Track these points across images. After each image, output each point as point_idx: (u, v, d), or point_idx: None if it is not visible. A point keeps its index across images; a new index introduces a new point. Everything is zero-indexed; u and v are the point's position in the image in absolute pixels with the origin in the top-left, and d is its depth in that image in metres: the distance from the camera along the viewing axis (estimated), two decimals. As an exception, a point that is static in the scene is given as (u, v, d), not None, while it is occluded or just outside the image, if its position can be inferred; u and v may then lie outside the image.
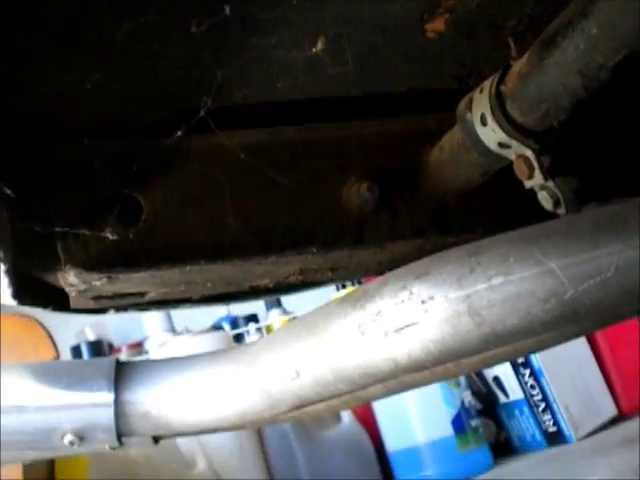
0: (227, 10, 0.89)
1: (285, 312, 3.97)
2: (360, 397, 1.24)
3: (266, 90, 1.09)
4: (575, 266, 0.86)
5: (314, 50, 1.02)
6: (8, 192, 0.82)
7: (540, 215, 1.05)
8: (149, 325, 4.08)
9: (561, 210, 1.02)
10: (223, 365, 1.18)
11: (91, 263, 1.07)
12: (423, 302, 0.92)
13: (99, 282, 1.08)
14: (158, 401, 1.18)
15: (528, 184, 1.03)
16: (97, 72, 0.96)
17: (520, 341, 0.98)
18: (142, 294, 1.20)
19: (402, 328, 0.93)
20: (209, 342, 3.19)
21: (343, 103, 1.22)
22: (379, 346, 0.95)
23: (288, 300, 3.97)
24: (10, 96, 0.98)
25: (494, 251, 0.92)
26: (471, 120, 1.04)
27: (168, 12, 0.89)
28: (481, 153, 1.06)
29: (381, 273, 1.41)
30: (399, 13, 0.98)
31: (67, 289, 1.12)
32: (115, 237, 1.05)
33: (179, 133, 1.05)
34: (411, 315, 0.92)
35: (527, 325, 0.89)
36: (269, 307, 4.08)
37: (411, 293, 0.93)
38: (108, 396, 1.16)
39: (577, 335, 1.27)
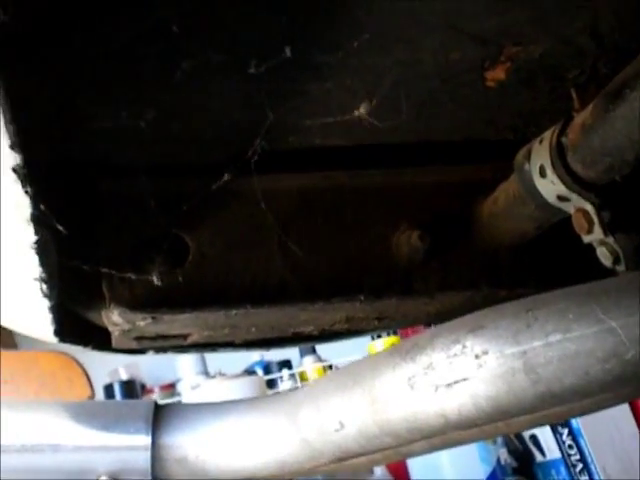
0: (287, 52, 0.88)
1: (319, 359, 3.93)
2: (402, 452, 1.21)
3: (319, 135, 1.08)
4: (637, 326, 0.83)
5: (371, 96, 1.01)
6: (60, 228, 0.80)
7: (597, 271, 1.02)
8: (182, 367, 4.06)
9: (621, 267, 0.98)
10: (264, 412, 1.16)
11: (136, 303, 1.05)
12: (477, 357, 0.89)
13: (143, 322, 1.06)
14: (196, 446, 1.15)
15: (587, 239, 1.00)
16: (153, 110, 0.95)
17: (576, 402, 0.94)
18: (185, 336, 1.18)
19: (454, 383, 0.90)
20: (242, 387, 3.15)
21: (396, 150, 1.20)
22: (429, 401, 0.92)
23: (322, 347, 3.93)
24: (63, 129, 0.97)
25: (552, 306, 0.89)
26: (529, 171, 1.02)
27: (228, 52, 0.88)
28: (538, 206, 1.03)
29: (428, 324, 1.38)
30: (460, 60, 0.96)
31: (110, 328, 1.10)
32: (160, 283, 1.03)
33: (227, 177, 1.04)
34: (464, 370, 0.89)
35: (585, 385, 0.85)
36: (303, 353, 4.04)
37: (464, 347, 0.90)
38: (145, 439, 1.14)
39: (635, 397, 1.23)
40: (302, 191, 1.15)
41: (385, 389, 0.96)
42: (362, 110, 1.01)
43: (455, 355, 0.91)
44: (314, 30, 0.89)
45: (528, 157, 1.02)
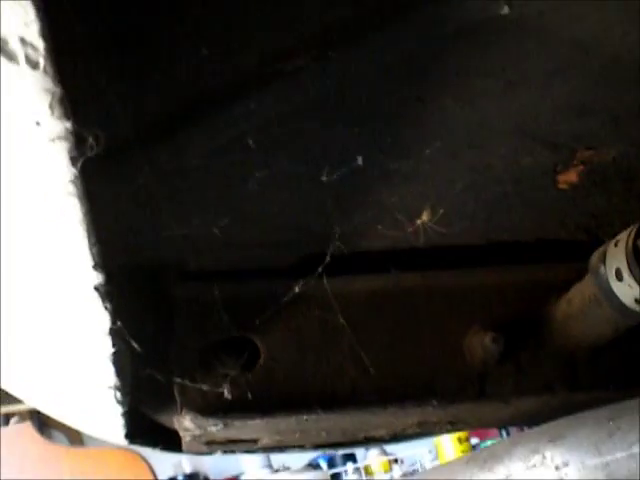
0: (360, 160, 0.89)
1: (385, 453, 3.87)
2: None
3: (390, 239, 1.07)
4: None
5: (441, 201, 1.01)
6: (135, 345, 0.81)
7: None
8: (246, 460, 4.03)
9: None
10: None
11: (208, 409, 1.05)
12: (557, 468, 0.86)
13: (214, 428, 1.05)
14: None
15: (665, 343, 0.98)
16: (225, 217, 0.96)
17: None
18: (255, 441, 1.17)
19: (534, 495, 0.87)
20: (307, 481, 3.11)
21: (468, 251, 1.20)
22: (508, 514, 0.89)
23: (387, 440, 3.87)
24: (136, 238, 0.99)
25: (635, 416, 0.86)
26: (605, 274, 1.00)
27: (300, 161, 0.89)
28: (615, 309, 1.01)
29: (502, 428, 1.35)
30: (532, 165, 0.96)
31: (182, 433, 1.10)
32: (230, 396, 1.03)
33: (297, 289, 1.04)
34: (544, 482, 0.87)
35: (670, 500, 0.82)
36: (368, 447, 3.98)
37: (544, 457, 0.88)
38: None
39: None
40: (373, 293, 1.15)
41: (462, 501, 0.93)
42: (424, 218, 1.01)
43: (534, 466, 0.88)
44: (385, 139, 0.89)
45: (603, 259, 1.01)
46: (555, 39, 0.76)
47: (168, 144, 0.80)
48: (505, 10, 0.70)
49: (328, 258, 1.01)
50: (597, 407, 0.92)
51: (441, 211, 0.99)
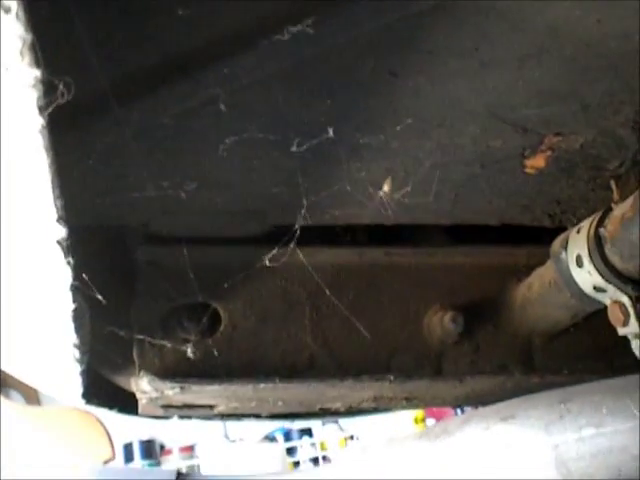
0: (330, 132, 0.89)
1: (341, 429, 3.89)
2: None
3: (356, 213, 1.08)
4: (672, 424, 0.82)
5: (409, 178, 1.01)
6: (100, 298, 0.81)
7: (632, 363, 1.00)
8: (202, 429, 4.03)
9: (656, 362, 0.97)
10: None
11: (166, 372, 1.05)
12: (507, 446, 0.88)
13: (172, 392, 1.06)
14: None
15: (622, 331, 0.99)
16: (193, 182, 0.96)
17: (607, 499, 0.92)
18: (212, 407, 1.18)
19: (482, 472, 0.88)
20: (262, 454, 3.12)
21: (431, 230, 1.21)
22: (456, 488, 0.91)
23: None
24: (104, 197, 0.99)
25: (586, 399, 0.88)
26: (566, 260, 1.02)
27: (272, 130, 0.89)
28: (574, 295, 1.03)
29: (457, 406, 1.36)
30: (501, 147, 0.97)
31: (138, 395, 1.10)
32: (192, 355, 1.04)
33: (275, 252, 1.04)
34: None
35: (617, 483, 0.84)
36: (325, 422, 4.00)
37: (495, 435, 0.89)
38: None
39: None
40: (336, 266, 1.16)
41: (414, 476, 0.94)
42: (385, 189, 1.01)
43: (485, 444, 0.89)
44: (357, 113, 0.90)
45: (565, 246, 1.02)
46: (530, 23, 0.76)
47: (140, 102, 0.80)
48: (482, -10, 0.71)
49: (297, 229, 1.01)
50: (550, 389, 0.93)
51: (407, 188, 0.99)
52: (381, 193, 1.00)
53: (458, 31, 0.79)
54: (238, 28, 0.74)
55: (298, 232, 1.01)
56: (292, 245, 1.02)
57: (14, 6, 0.42)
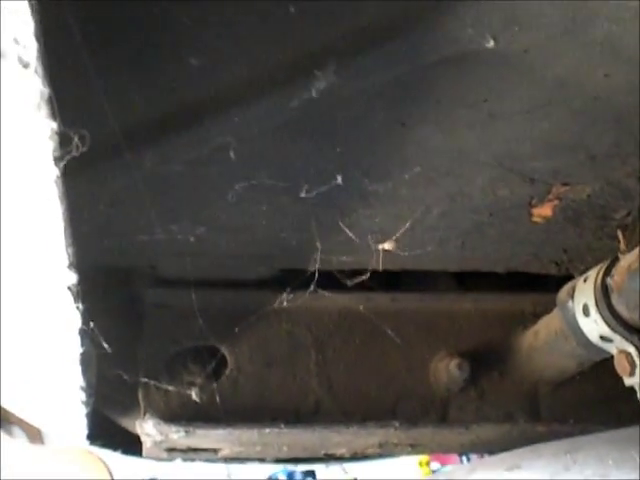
0: (339, 180, 0.89)
1: (345, 471, 3.86)
2: None
3: (363, 258, 1.08)
4: (679, 478, 0.81)
5: (417, 225, 1.02)
6: (105, 346, 0.81)
7: (638, 412, 1.00)
8: (204, 469, 3.99)
9: (663, 413, 0.97)
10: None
11: (171, 415, 1.05)
12: (512, 497, 0.87)
13: (176, 435, 1.06)
14: None
15: (628, 381, 0.99)
16: (202, 226, 0.97)
17: None
18: (216, 450, 1.18)
19: (488, 523, 0.88)
20: (265, 495, 3.09)
21: (438, 276, 1.21)
22: (461, 539, 0.90)
23: (348, 459, 3.86)
24: (113, 240, 0.99)
25: (592, 451, 0.87)
26: (572, 309, 1.02)
27: (280, 176, 0.90)
28: (580, 344, 1.02)
29: (462, 453, 1.36)
30: (509, 196, 0.97)
31: (143, 438, 1.10)
32: (198, 399, 1.04)
33: (285, 301, 1.05)
34: (499, 510, 0.87)
35: (621, 537, 0.83)
36: (329, 464, 3.96)
37: (500, 486, 0.89)
38: None
39: None
40: (342, 311, 1.16)
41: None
42: (387, 247, 1.02)
43: (491, 494, 0.89)
44: (366, 160, 0.90)
45: (572, 294, 1.02)
46: (538, 76, 0.77)
47: (151, 149, 0.81)
48: (491, 44, 0.71)
49: (316, 273, 1.02)
50: (556, 439, 0.93)
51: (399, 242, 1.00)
52: (380, 247, 1.01)
53: (467, 82, 0.80)
54: (249, 78, 0.75)
55: (308, 276, 1.01)
56: (303, 289, 1.03)
57: (33, 61, 0.43)
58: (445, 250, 1.07)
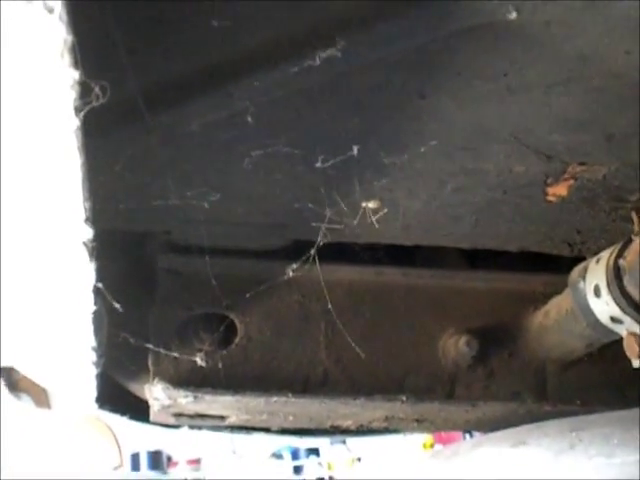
0: (355, 150, 0.89)
1: (348, 450, 3.88)
2: None
3: (376, 232, 1.08)
4: (682, 457, 0.81)
5: (431, 200, 1.02)
6: (116, 305, 0.81)
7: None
8: (210, 443, 4.02)
9: (670, 394, 0.97)
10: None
11: (179, 380, 1.06)
12: (517, 472, 0.88)
13: (184, 400, 1.06)
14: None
15: (637, 364, 0.99)
16: (217, 193, 0.97)
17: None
18: (223, 417, 1.18)
19: (491, 496, 0.88)
20: (268, 470, 3.12)
21: (450, 253, 1.21)
22: (464, 512, 0.91)
23: (352, 438, 3.88)
24: (128, 203, 1.00)
25: (597, 430, 0.87)
26: (583, 289, 1.02)
27: (296, 145, 0.90)
28: (590, 325, 1.03)
29: (467, 431, 1.36)
30: (523, 174, 0.97)
31: (151, 402, 1.10)
32: (204, 364, 1.04)
33: (291, 273, 1.05)
34: (502, 484, 0.88)
35: (625, 514, 0.83)
36: (333, 442, 3.98)
37: (505, 461, 0.89)
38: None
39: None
40: (353, 284, 1.16)
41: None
42: (371, 205, 1.01)
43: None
44: (383, 133, 0.90)
45: (584, 275, 1.02)
46: (558, 50, 0.77)
47: (169, 110, 0.81)
48: (513, 15, 0.71)
49: (318, 246, 1.02)
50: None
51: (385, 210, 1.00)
52: (364, 205, 1.00)
53: (488, 55, 0.79)
54: (270, 43, 0.75)
55: (317, 248, 1.02)
56: (314, 260, 1.03)
57: (57, 7, 0.43)
58: (458, 226, 1.07)
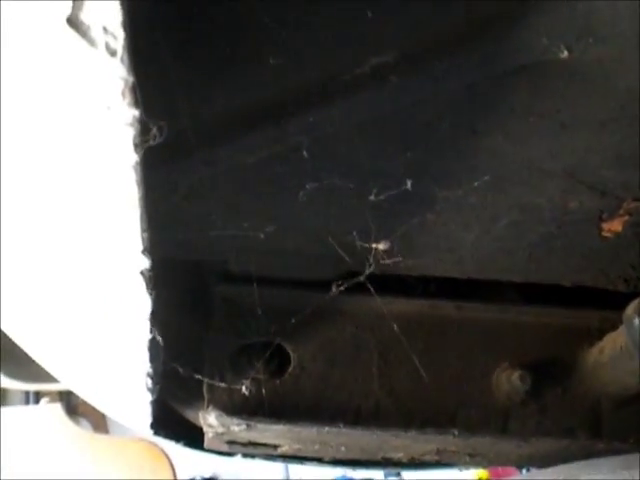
0: (409, 185, 0.91)
1: (403, 483, 3.85)
2: None
3: (429, 265, 1.09)
4: None
5: (484, 234, 1.02)
6: (169, 337, 0.83)
7: None
8: (264, 470, 4.03)
9: None
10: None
11: (233, 408, 1.07)
12: (568, 510, 0.87)
13: (237, 428, 1.08)
14: None
15: (692, 402, 0.98)
16: (273, 224, 0.99)
17: None
18: (275, 447, 1.20)
19: (541, 534, 0.88)
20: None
21: (503, 287, 1.21)
22: None
23: (407, 472, 3.85)
24: (185, 234, 1.02)
25: (651, 468, 0.86)
26: (638, 326, 1.01)
27: (351, 178, 0.91)
28: (645, 361, 1.02)
29: (520, 466, 1.35)
30: (578, 209, 0.97)
31: (205, 429, 1.12)
32: (247, 393, 1.06)
33: (335, 291, 1.06)
34: (553, 521, 0.87)
35: None
36: (387, 475, 3.96)
37: (556, 498, 0.88)
38: None
39: None
40: (407, 317, 1.17)
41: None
42: (380, 247, 1.02)
43: (546, 504, 0.89)
44: (436, 167, 0.91)
45: (638, 312, 1.01)
46: (611, 87, 0.77)
47: (227, 145, 0.83)
48: (565, 54, 0.72)
49: (366, 275, 1.03)
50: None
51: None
52: (374, 246, 1.01)
53: (540, 92, 0.80)
54: (325, 80, 0.77)
55: (369, 279, 1.03)
56: (369, 292, 1.04)
57: (120, 50, 0.45)
58: (512, 260, 1.07)
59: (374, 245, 1.00)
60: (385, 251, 1.02)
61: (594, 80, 0.77)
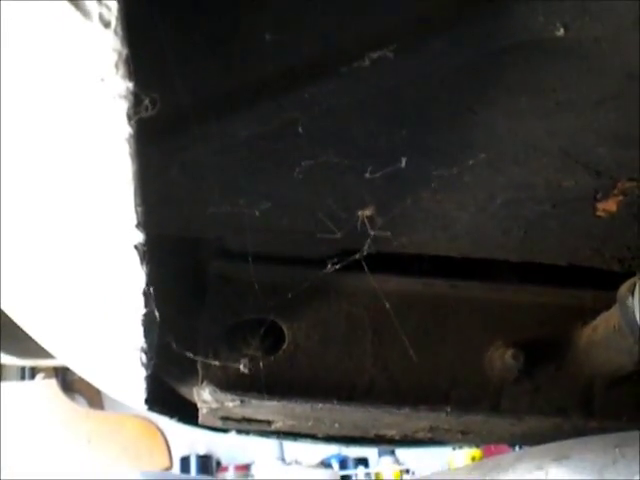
0: (403, 162, 0.91)
1: (397, 462, 3.87)
2: None
3: (424, 243, 1.09)
4: None
5: (480, 212, 1.02)
6: (163, 312, 0.83)
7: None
8: (259, 449, 4.05)
9: None
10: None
11: (228, 384, 1.08)
12: (558, 486, 0.88)
13: (232, 404, 1.08)
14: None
15: (685, 381, 0.98)
16: (268, 201, 0.99)
17: None
18: (269, 422, 1.20)
19: (531, 509, 0.88)
20: (316, 478, 3.13)
21: (498, 266, 1.21)
22: (504, 524, 0.91)
23: (401, 450, 3.87)
24: (180, 210, 1.02)
25: (641, 446, 0.87)
26: (632, 306, 1.01)
27: (347, 155, 0.91)
28: (638, 341, 1.02)
29: (513, 444, 1.35)
30: (573, 188, 0.97)
31: (199, 405, 1.13)
32: (246, 371, 1.06)
33: (330, 268, 1.07)
34: (543, 498, 0.88)
35: (667, 533, 0.83)
36: (381, 453, 3.98)
37: (547, 474, 0.89)
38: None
39: None
40: (402, 295, 1.17)
41: (461, 506, 0.95)
42: (367, 213, 1.02)
43: (536, 481, 0.89)
44: (432, 145, 0.91)
45: (632, 291, 1.02)
46: (608, 66, 0.77)
47: (222, 121, 0.83)
48: (561, 32, 0.72)
49: (363, 255, 1.03)
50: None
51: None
52: (361, 213, 1.01)
53: (537, 71, 0.80)
54: (321, 55, 0.77)
55: (365, 257, 1.03)
56: (363, 270, 1.04)
57: (113, 21, 0.45)
58: (507, 239, 1.07)
59: (360, 212, 1.00)
60: (373, 219, 1.01)
61: (590, 59, 0.76)
